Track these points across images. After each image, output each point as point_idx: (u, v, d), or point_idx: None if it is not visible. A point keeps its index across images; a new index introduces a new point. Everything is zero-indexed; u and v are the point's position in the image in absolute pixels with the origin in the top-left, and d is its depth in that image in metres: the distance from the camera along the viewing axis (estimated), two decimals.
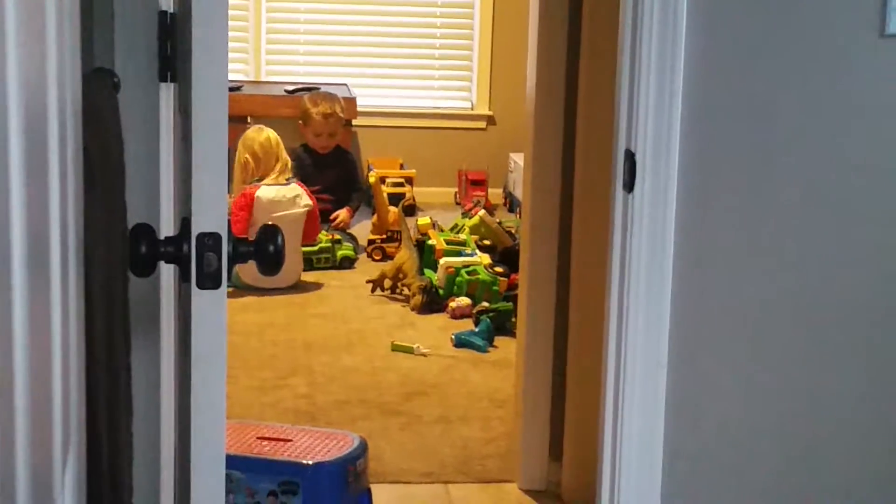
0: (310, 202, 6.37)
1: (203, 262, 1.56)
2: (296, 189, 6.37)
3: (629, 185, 2.38)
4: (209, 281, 1.58)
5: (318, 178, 7.07)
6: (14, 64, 0.86)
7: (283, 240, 1.68)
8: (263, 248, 1.66)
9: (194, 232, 1.56)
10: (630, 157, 2.37)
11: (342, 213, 7.09)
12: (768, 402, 2.49)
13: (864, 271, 2.44)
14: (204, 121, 1.56)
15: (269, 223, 1.76)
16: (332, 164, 7.33)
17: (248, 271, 5.86)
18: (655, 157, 2.34)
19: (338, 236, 6.78)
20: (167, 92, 2.17)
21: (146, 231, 1.61)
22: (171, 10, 2.16)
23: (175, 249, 1.61)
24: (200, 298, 1.58)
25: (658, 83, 2.31)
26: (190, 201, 1.58)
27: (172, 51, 2.14)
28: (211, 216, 1.57)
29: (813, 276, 2.44)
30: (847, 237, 2.42)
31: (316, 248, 6.55)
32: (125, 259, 1.55)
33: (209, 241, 1.56)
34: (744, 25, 2.36)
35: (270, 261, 1.67)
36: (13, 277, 0.88)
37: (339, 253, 6.68)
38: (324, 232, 6.74)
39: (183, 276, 1.63)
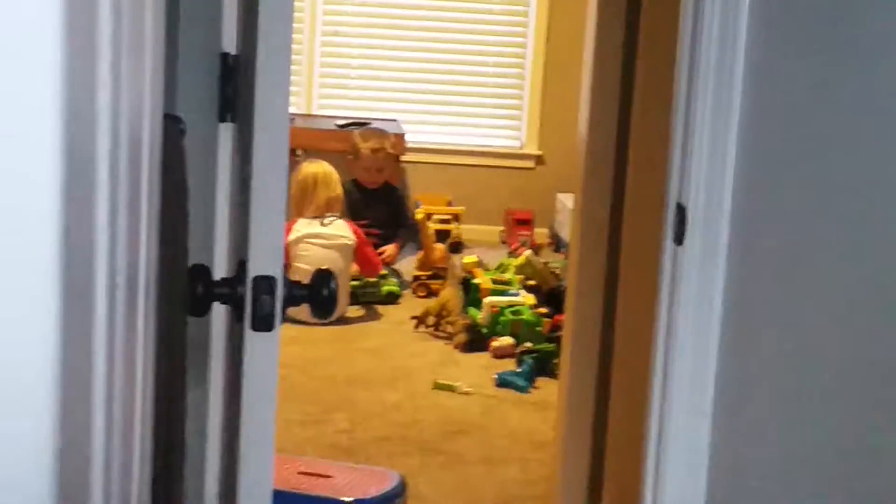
0: (350, 238, 6.38)
1: (258, 304, 1.59)
2: (338, 225, 6.38)
3: (679, 238, 2.39)
4: (263, 323, 1.60)
5: (367, 213, 7.11)
6: (111, 98, 0.88)
7: (336, 284, 1.70)
8: (317, 292, 1.68)
9: (251, 274, 1.59)
10: (681, 211, 2.38)
11: (389, 249, 7.12)
12: (813, 458, 2.48)
13: None
14: (264, 163, 1.59)
15: (324, 268, 1.78)
16: (380, 199, 7.36)
17: None
18: (706, 211, 2.34)
19: (384, 271, 6.81)
20: (226, 133, 2.19)
21: (203, 272, 1.63)
22: (234, 52, 2.19)
23: (230, 291, 1.63)
24: (253, 340, 1.60)
25: (712, 137, 2.32)
26: (247, 243, 1.60)
27: (233, 92, 2.17)
28: (267, 259, 1.59)
29: (863, 334, 2.43)
30: None
31: (361, 283, 6.58)
32: (185, 301, 1.58)
33: (265, 284, 1.59)
34: (799, 80, 2.36)
35: (324, 305, 1.69)
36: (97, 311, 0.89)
37: (385, 288, 6.71)
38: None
39: (237, 318, 1.65)
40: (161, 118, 1.18)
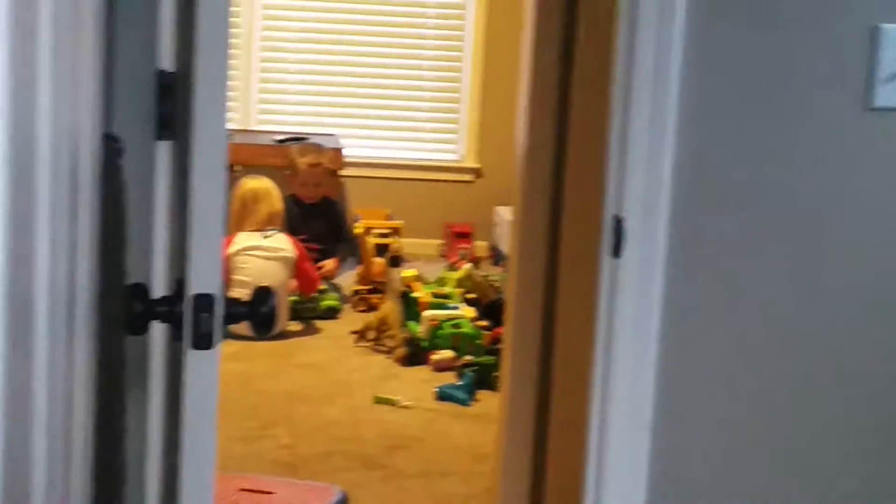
0: (291, 251, 6.38)
1: (197, 322, 1.58)
2: (279, 238, 6.39)
3: (616, 251, 2.41)
4: (203, 341, 1.59)
5: (306, 228, 7.09)
6: (50, 124, 0.88)
7: (276, 302, 1.70)
8: (257, 310, 1.68)
9: (189, 293, 1.58)
10: (618, 223, 2.40)
11: (328, 263, 7.11)
12: (753, 466, 2.51)
13: (850, 339, 2.47)
14: (202, 180, 1.58)
15: (265, 286, 1.78)
16: (319, 214, 7.36)
17: None
18: (644, 223, 2.36)
19: (323, 286, 6.80)
20: (164, 150, 2.18)
21: (141, 290, 1.63)
22: (171, 69, 2.18)
23: (169, 309, 1.63)
24: (193, 358, 1.60)
25: (648, 150, 2.34)
26: (185, 261, 1.60)
27: (171, 109, 2.16)
28: (206, 277, 1.59)
29: (801, 340, 2.47)
30: (835, 305, 2.45)
31: (300, 298, 6.56)
32: (123, 321, 1.57)
33: (204, 302, 1.58)
34: (733, 94, 2.39)
35: (264, 322, 1.69)
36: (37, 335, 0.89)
37: (324, 303, 6.70)
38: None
39: (176, 336, 1.65)
40: (98, 139, 1.18)
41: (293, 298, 6.49)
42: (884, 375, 2.48)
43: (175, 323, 1.61)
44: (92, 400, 1.22)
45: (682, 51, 2.35)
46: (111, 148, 1.57)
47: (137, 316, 1.61)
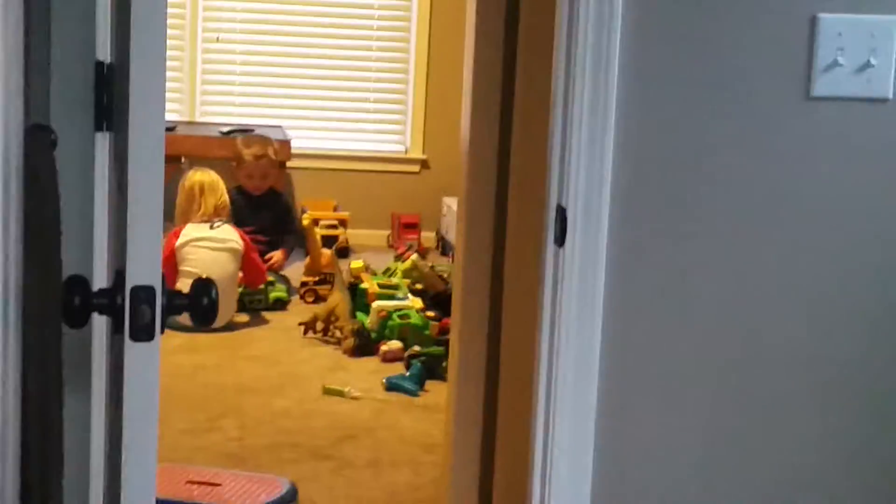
0: (238, 242, 6.36)
1: (137, 314, 1.58)
2: (226, 230, 6.37)
3: (560, 240, 2.41)
4: (142, 333, 1.59)
5: (252, 220, 7.07)
6: None
7: (217, 293, 1.70)
8: (198, 302, 1.68)
9: (128, 284, 1.58)
10: (561, 212, 2.41)
11: (276, 255, 7.09)
12: (697, 452, 2.53)
13: (794, 326, 2.49)
14: (140, 172, 1.58)
15: (204, 277, 1.78)
16: (265, 205, 7.34)
17: None
18: (586, 212, 2.37)
19: (271, 278, 6.79)
20: (103, 142, 2.17)
21: (80, 283, 1.62)
22: (109, 61, 2.17)
23: (109, 301, 1.62)
24: (133, 351, 1.59)
25: (589, 138, 2.35)
26: (124, 253, 1.59)
27: (108, 101, 2.15)
28: (145, 269, 1.58)
29: (741, 330, 2.48)
30: (778, 293, 2.47)
31: (247, 290, 6.55)
32: (59, 313, 1.56)
33: (143, 294, 1.58)
34: (674, 84, 2.41)
35: (204, 314, 1.68)
36: None
37: (272, 294, 6.68)
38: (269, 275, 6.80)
39: (116, 328, 1.64)
40: (21, 131, 1.17)
41: (241, 290, 6.47)
42: (828, 358, 2.50)
43: (115, 315, 1.61)
44: (23, 393, 1.22)
45: (620, 41, 2.35)
46: (43, 139, 1.56)
47: (76, 308, 1.60)
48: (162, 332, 1.63)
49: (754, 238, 2.44)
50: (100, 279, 2.14)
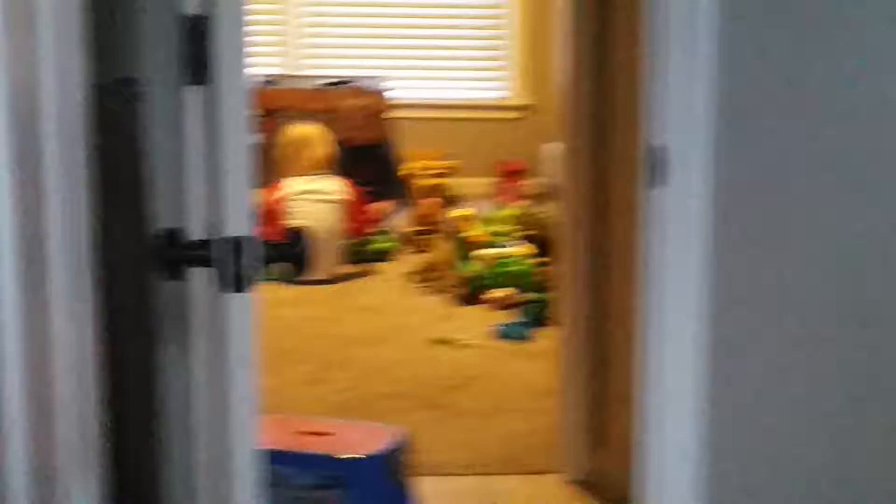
0: (343, 193, 6.37)
1: (231, 264, 1.58)
2: (331, 182, 6.38)
3: (658, 180, 2.38)
4: (238, 284, 1.59)
5: (356, 172, 7.08)
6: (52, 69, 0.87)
7: (311, 242, 1.69)
8: (291, 251, 1.67)
9: (223, 236, 1.58)
10: (658, 152, 2.37)
11: (381, 206, 7.11)
12: (806, 395, 2.48)
13: None
14: (228, 125, 1.58)
15: (299, 225, 1.77)
16: (367, 157, 7.34)
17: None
18: (684, 152, 2.33)
19: (378, 228, 6.80)
20: (195, 96, 2.17)
21: (175, 235, 1.62)
22: (197, 14, 2.16)
23: (204, 253, 1.62)
24: (229, 301, 1.59)
25: (686, 76, 2.31)
26: (217, 205, 1.59)
27: (198, 55, 2.14)
28: (238, 220, 1.58)
29: (848, 269, 2.43)
30: (884, 230, 2.41)
31: (356, 240, 6.57)
32: (150, 264, 1.57)
33: (236, 245, 1.57)
34: (773, 15, 2.35)
35: (300, 262, 1.67)
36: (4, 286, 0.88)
37: (379, 245, 6.69)
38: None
39: (213, 280, 1.64)
40: (79, 85, 1.16)
41: (348, 241, 6.49)
42: None
43: (209, 266, 1.61)
44: (103, 348, 1.22)
45: None
46: (128, 91, 1.56)
47: (172, 261, 1.61)
48: (257, 281, 1.63)
49: (860, 169, 2.38)
50: (197, 233, 2.15)
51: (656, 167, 2.39)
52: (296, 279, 5.97)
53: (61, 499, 1.07)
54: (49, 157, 1.04)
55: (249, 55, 1.58)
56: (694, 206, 2.34)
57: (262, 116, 7.67)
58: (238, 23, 1.56)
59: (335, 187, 6.37)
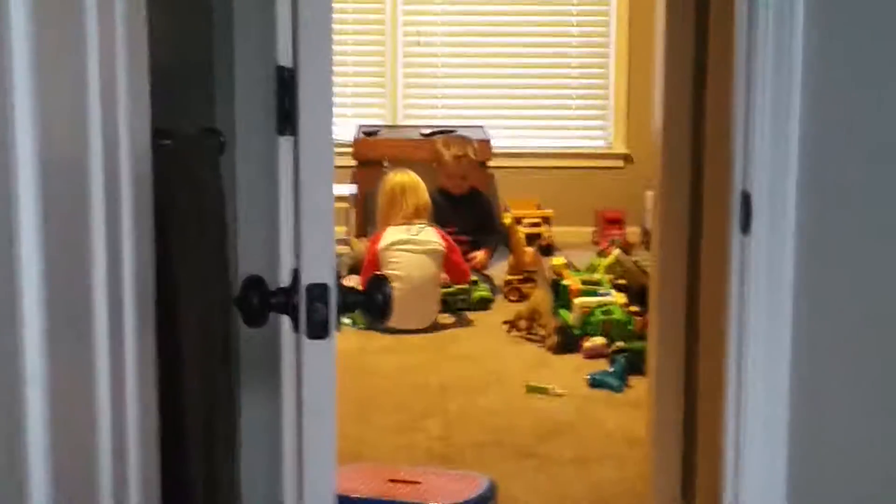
0: (440, 244, 6.40)
1: (311, 311, 1.61)
2: (428, 232, 6.42)
3: (745, 227, 2.37)
4: (318, 330, 1.62)
5: (455, 220, 7.13)
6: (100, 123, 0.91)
7: (391, 289, 1.72)
8: (372, 298, 1.70)
9: (303, 283, 1.61)
10: (746, 198, 2.37)
11: (479, 255, 7.14)
12: (889, 450, 2.45)
13: None
14: (310, 174, 1.61)
15: (379, 273, 1.80)
16: (467, 205, 7.39)
17: None
18: (771, 197, 2.32)
19: (475, 277, 6.83)
20: (286, 146, 2.22)
21: (257, 282, 1.66)
22: (289, 65, 2.21)
23: (286, 300, 1.65)
24: (309, 348, 1.62)
25: (773, 121, 2.31)
26: (298, 252, 1.63)
27: (290, 105, 2.19)
28: (318, 267, 1.61)
29: None
30: None
31: (453, 290, 6.60)
32: (226, 306, 1.61)
33: (317, 291, 1.61)
34: (862, 67, 2.33)
35: (378, 309, 1.70)
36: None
37: (476, 294, 6.72)
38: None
39: (294, 327, 1.67)
40: (148, 134, 1.20)
41: (446, 290, 6.52)
42: None
43: (291, 313, 1.64)
44: (149, 395, 1.25)
45: (803, 23, 2.30)
46: (204, 142, 1.61)
47: (254, 308, 1.65)
48: (338, 329, 1.66)
49: None
50: (286, 280, 2.19)
51: (742, 213, 2.38)
52: (377, 327, 6.03)
53: None
54: (125, 209, 1.08)
55: (331, 104, 1.62)
56: (780, 254, 2.33)
57: (363, 166, 7.77)
58: (320, 72, 1.60)
59: (431, 237, 6.41)
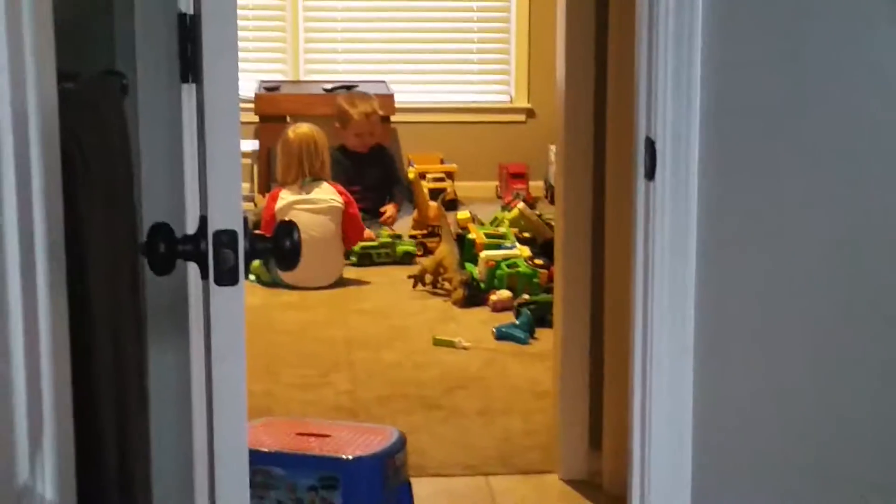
0: (338, 200, 6.34)
1: (220, 258, 1.59)
2: (325, 188, 6.36)
3: (650, 173, 2.39)
4: (226, 277, 1.60)
5: (359, 177, 7.10)
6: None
7: (299, 235, 1.71)
8: (280, 244, 1.69)
9: (210, 229, 1.59)
10: (650, 145, 2.38)
11: (389, 210, 7.14)
12: (795, 387, 2.48)
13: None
14: (216, 120, 1.59)
15: (286, 219, 1.79)
16: (372, 162, 7.36)
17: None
18: (675, 144, 2.34)
19: (393, 230, 6.82)
20: (189, 93, 2.20)
21: (164, 230, 1.63)
22: (191, 12, 2.19)
23: (193, 247, 1.63)
24: (218, 295, 1.61)
25: (675, 66, 2.32)
26: (206, 199, 1.61)
27: (192, 52, 2.17)
28: (226, 213, 1.59)
29: (842, 259, 2.42)
30: (877, 217, 2.39)
31: (377, 244, 6.60)
32: (134, 256, 1.58)
33: (225, 238, 1.59)
34: (764, 7, 2.35)
35: (288, 256, 1.69)
36: None
37: (400, 248, 6.70)
38: (385, 228, 6.89)
39: (202, 274, 1.65)
40: (54, 75, 1.18)
41: (369, 244, 6.52)
42: None
43: (199, 261, 1.62)
44: (62, 334, 1.24)
45: None
46: (112, 83, 1.58)
47: (161, 255, 1.62)
48: (246, 276, 1.64)
49: (853, 157, 2.37)
50: (191, 227, 2.17)
51: (646, 160, 2.40)
52: (281, 283, 6.01)
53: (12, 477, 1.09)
54: (33, 151, 1.06)
55: (236, 53, 1.60)
56: (684, 200, 2.35)
57: (266, 121, 7.71)
58: (227, 21, 1.58)
59: (329, 194, 6.35)
